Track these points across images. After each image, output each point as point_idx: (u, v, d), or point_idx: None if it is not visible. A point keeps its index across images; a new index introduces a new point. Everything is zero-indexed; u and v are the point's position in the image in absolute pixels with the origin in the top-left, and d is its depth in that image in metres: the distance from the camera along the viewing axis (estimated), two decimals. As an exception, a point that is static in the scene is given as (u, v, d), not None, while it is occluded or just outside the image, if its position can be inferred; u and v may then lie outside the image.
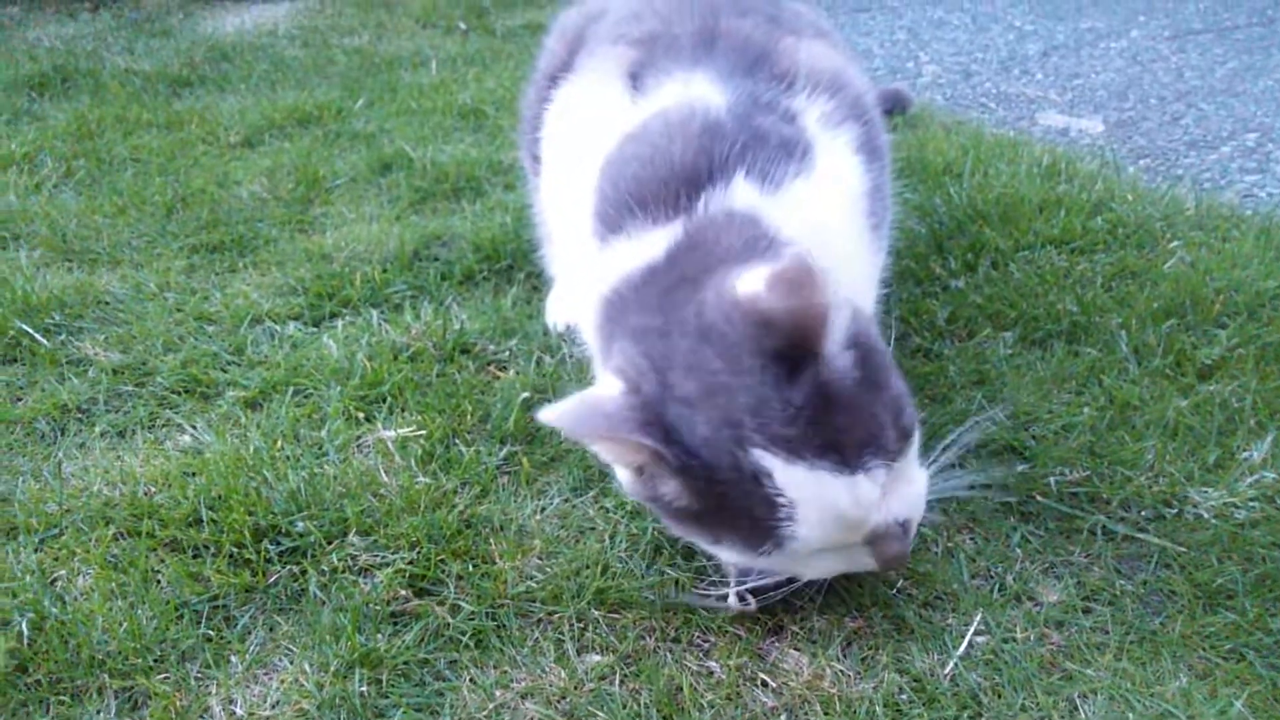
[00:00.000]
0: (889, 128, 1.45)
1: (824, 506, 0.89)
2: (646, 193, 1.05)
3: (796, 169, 1.08)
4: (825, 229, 1.07)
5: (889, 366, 0.96)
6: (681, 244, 1.01)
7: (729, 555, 0.97)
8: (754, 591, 1.04)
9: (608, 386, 0.94)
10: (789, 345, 0.88)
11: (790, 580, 1.02)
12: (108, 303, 1.66)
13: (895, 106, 2.18)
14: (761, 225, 1.01)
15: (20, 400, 1.41)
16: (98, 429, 1.34)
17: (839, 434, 0.88)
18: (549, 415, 0.91)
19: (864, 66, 1.37)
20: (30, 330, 1.55)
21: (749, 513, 0.90)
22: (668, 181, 1.04)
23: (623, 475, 0.98)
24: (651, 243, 1.03)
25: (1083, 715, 0.93)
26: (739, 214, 1.02)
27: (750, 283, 0.91)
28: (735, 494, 0.89)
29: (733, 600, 1.04)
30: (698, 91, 1.13)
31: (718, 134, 1.06)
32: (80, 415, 1.38)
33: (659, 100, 1.14)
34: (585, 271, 1.13)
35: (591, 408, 0.92)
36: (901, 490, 0.95)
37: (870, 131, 1.21)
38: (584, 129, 1.20)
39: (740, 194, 1.03)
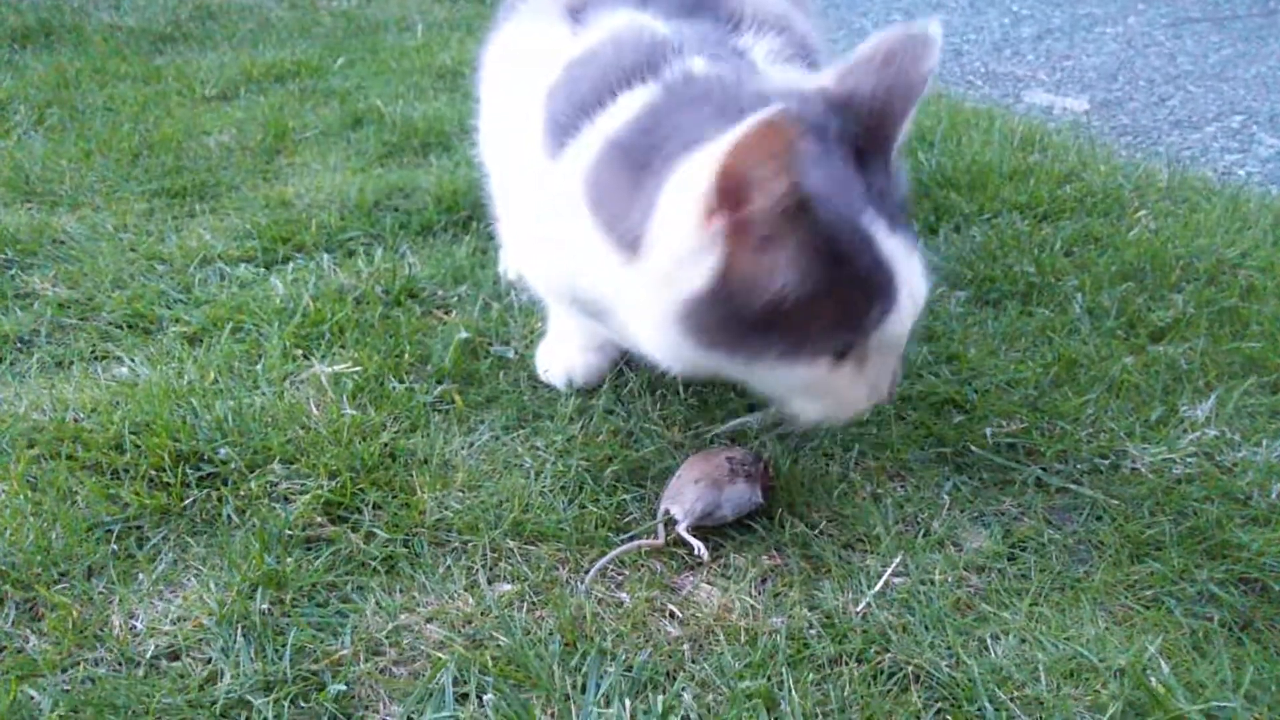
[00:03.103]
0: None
1: (909, 279, 0.91)
2: (603, 90, 1.01)
3: None
4: None
5: None
6: (678, 80, 0.98)
7: (786, 369, 0.93)
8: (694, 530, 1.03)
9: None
10: (866, 129, 0.91)
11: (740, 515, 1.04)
12: (62, 241, 1.65)
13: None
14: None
15: (-38, 330, 1.40)
16: (35, 359, 1.33)
17: (903, 212, 0.93)
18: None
19: (822, 21, 1.35)
20: (-21, 264, 1.54)
21: (865, 277, 0.89)
22: (626, 71, 1.01)
23: (701, 275, 0.88)
24: (632, 98, 0.99)
25: (992, 654, 0.91)
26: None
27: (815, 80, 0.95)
28: (849, 254, 0.88)
29: (679, 532, 1.02)
30: (644, 21, 1.11)
31: (668, 45, 1.03)
32: (20, 346, 1.37)
33: (602, 28, 1.12)
34: (537, 193, 1.10)
35: None
36: None
37: (816, 67, 1.19)
38: (525, 62, 1.18)
39: (701, 66, 1.01)
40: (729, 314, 0.90)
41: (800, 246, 0.87)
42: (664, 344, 0.97)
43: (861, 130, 0.91)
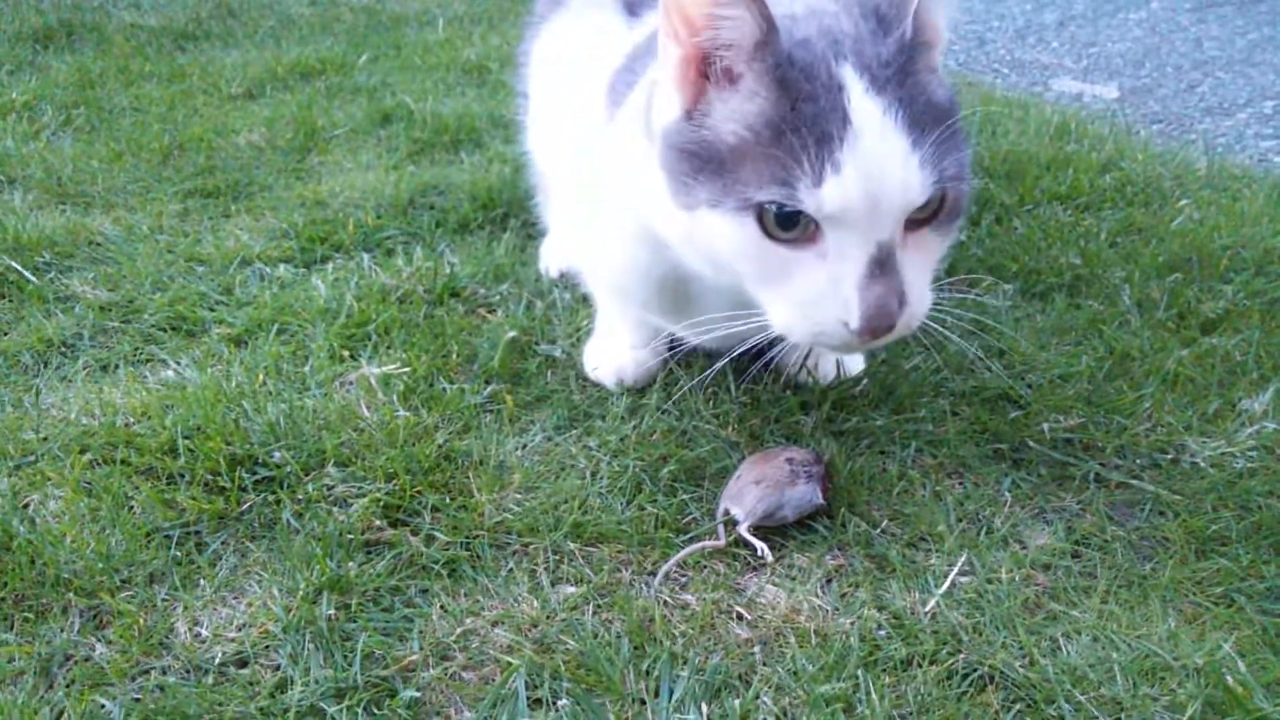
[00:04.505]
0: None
1: (871, 147, 0.82)
2: None
3: None
4: None
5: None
6: None
7: (717, 223, 0.88)
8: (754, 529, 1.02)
9: None
10: (889, 1, 0.88)
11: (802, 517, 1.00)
12: (99, 243, 1.65)
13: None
14: None
15: (5, 334, 1.40)
16: (80, 362, 1.32)
17: (905, 85, 0.85)
18: None
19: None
20: (19, 267, 1.53)
21: (812, 125, 0.83)
22: None
23: (671, 112, 0.91)
24: None
25: (1065, 654, 0.90)
26: None
27: None
28: (810, 98, 0.83)
29: (741, 533, 1.02)
30: None
31: None
32: (64, 349, 1.37)
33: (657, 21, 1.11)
34: (598, 170, 1.10)
35: None
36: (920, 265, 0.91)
37: None
38: (583, 52, 1.18)
39: None
40: (685, 149, 0.89)
41: (756, 80, 0.86)
42: (657, 207, 0.94)
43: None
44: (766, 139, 0.84)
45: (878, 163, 0.82)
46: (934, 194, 0.86)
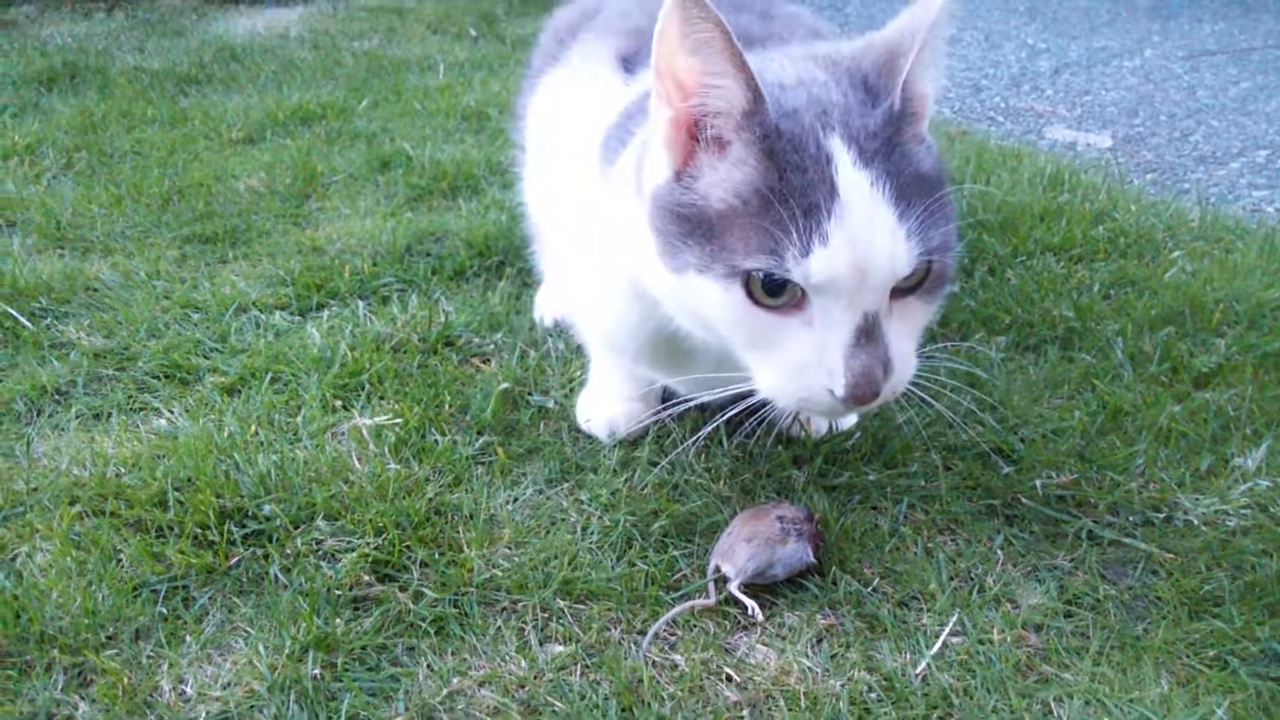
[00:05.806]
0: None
1: (857, 221, 0.83)
2: None
3: None
4: None
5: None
6: None
7: (703, 288, 0.88)
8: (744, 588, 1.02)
9: None
10: (877, 71, 0.89)
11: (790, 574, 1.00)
12: (96, 289, 1.65)
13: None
14: None
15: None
16: (74, 410, 1.32)
17: (893, 157, 0.86)
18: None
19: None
20: (15, 314, 1.53)
21: (800, 196, 0.83)
22: None
23: (661, 173, 0.91)
24: None
25: (1057, 718, 0.90)
26: None
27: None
28: (798, 169, 0.84)
29: (731, 591, 1.01)
30: None
31: None
32: (58, 397, 1.37)
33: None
34: (593, 227, 1.10)
35: None
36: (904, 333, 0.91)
37: None
38: (577, 107, 1.19)
39: None
40: (674, 211, 0.90)
41: (745, 149, 0.86)
42: (647, 266, 0.94)
43: (872, 67, 0.90)
44: (755, 208, 0.85)
45: (865, 235, 0.83)
46: (920, 265, 0.87)
